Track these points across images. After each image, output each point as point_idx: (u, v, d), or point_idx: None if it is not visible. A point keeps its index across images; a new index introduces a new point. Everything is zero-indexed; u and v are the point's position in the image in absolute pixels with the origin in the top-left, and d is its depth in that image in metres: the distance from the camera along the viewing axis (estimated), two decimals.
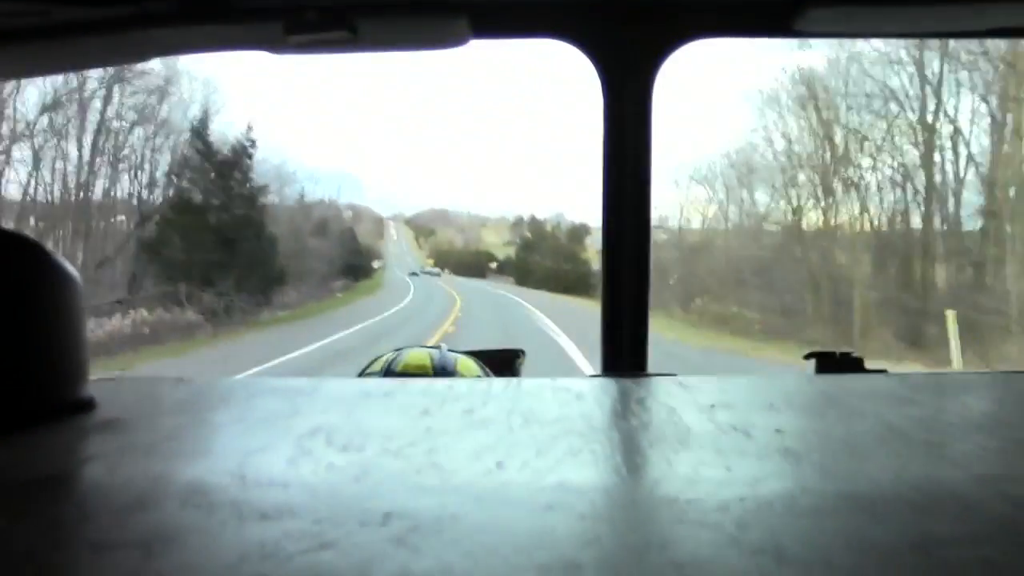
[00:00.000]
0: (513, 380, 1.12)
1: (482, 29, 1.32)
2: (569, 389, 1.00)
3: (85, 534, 0.55)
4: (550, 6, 1.36)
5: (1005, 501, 0.59)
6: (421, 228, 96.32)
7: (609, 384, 1.08)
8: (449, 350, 1.44)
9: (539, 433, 0.78)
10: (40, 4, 1.20)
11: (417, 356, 1.40)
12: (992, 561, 0.49)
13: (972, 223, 21.66)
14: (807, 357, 1.42)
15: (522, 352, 1.62)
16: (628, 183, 1.34)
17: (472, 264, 71.30)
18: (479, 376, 1.41)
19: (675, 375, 1.12)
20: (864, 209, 23.37)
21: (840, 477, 0.65)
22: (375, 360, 1.44)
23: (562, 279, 45.61)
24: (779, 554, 0.49)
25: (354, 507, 0.58)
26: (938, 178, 22.28)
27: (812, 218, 25.07)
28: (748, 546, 0.50)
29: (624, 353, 1.35)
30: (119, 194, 27.10)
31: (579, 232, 49.95)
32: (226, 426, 0.84)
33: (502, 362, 1.55)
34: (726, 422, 0.82)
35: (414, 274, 55.95)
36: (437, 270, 77.16)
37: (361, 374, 1.40)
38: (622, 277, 1.35)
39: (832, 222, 24.31)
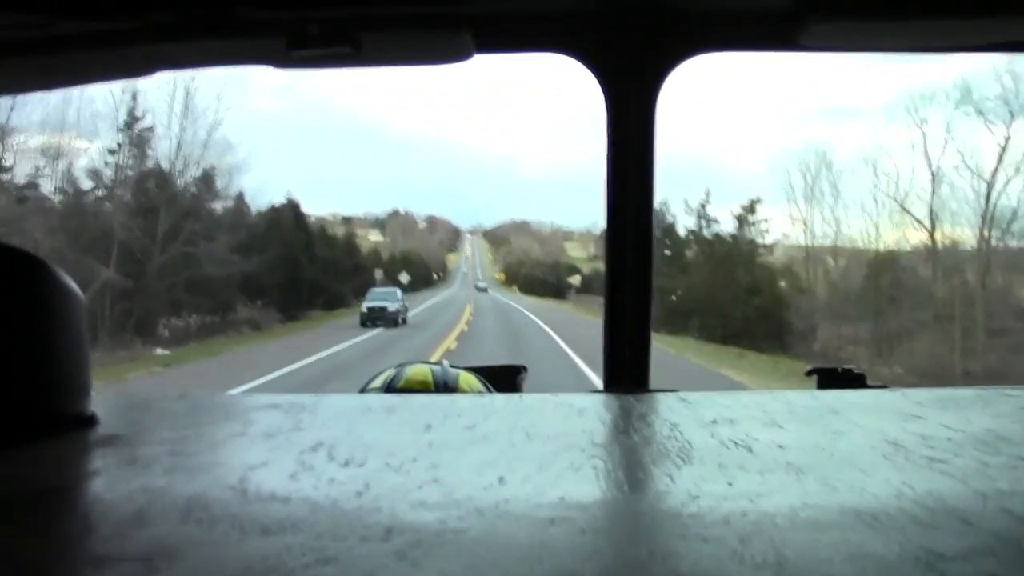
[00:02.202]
0: (515, 396, 1.12)
1: (485, 44, 1.32)
2: (571, 405, 1.00)
3: (87, 548, 0.55)
4: (553, 20, 1.36)
5: (1007, 516, 0.59)
6: (498, 239, 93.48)
7: (611, 400, 1.08)
8: (451, 366, 1.44)
9: (541, 448, 0.78)
10: (44, 17, 1.21)
11: (419, 372, 1.39)
12: None
13: None
14: (809, 373, 1.41)
15: (524, 368, 1.62)
16: (631, 200, 1.34)
17: (549, 278, 54.47)
18: (481, 392, 1.41)
19: (677, 391, 1.12)
20: None
21: (842, 492, 0.65)
22: (377, 376, 1.43)
23: (732, 320, 26.50)
24: (781, 568, 0.49)
25: (356, 522, 0.58)
26: None
27: None
28: (750, 560, 0.50)
29: (626, 369, 1.35)
30: None
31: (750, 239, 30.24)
32: (227, 441, 0.84)
33: (504, 378, 1.54)
34: (728, 437, 0.82)
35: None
36: (484, 284, 66.92)
37: (363, 390, 1.40)
38: (625, 293, 1.35)
39: None
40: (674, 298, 29.68)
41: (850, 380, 1.36)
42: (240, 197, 30.37)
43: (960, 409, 0.98)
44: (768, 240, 30.96)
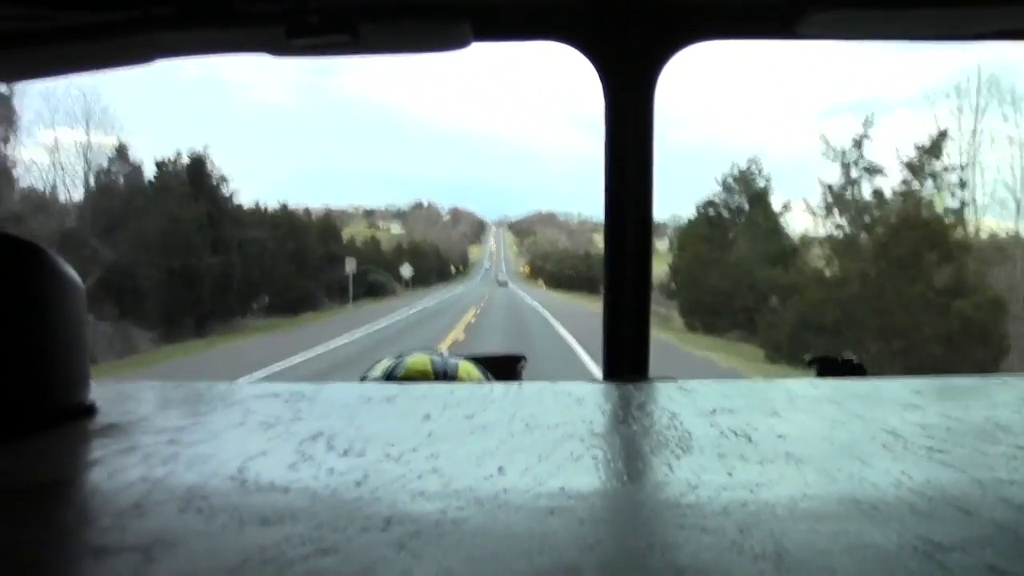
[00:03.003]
0: (514, 385, 1.12)
1: (483, 32, 1.32)
2: (570, 394, 1.00)
3: (86, 538, 0.55)
4: (551, 9, 1.36)
5: (1006, 506, 0.59)
6: (523, 231, 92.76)
7: (610, 389, 1.08)
8: (451, 355, 1.44)
9: (540, 438, 0.78)
10: (44, 8, 1.20)
11: (419, 361, 1.39)
12: (993, 565, 0.49)
13: None
14: (810, 363, 1.41)
15: (523, 357, 1.62)
16: (630, 188, 1.34)
17: (579, 270, 46.92)
18: (480, 380, 1.41)
19: (676, 380, 1.12)
20: None
21: (841, 482, 0.65)
22: (376, 365, 1.43)
23: (921, 341, 15.54)
24: (780, 559, 0.49)
25: (355, 512, 0.58)
26: None
27: None
28: (750, 551, 0.50)
29: (626, 358, 1.35)
30: None
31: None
32: (227, 430, 0.84)
33: (504, 367, 1.54)
34: (728, 427, 0.82)
35: None
36: (505, 278, 63.49)
37: (363, 379, 1.40)
38: (624, 282, 1.35)
39: None
40: (674, 286, 22.64)
41: (850, 369, 1.36)
42: (122, 153, 20.94)
43: (959, 398, 0.98)
44: (956, 199, 17.82)
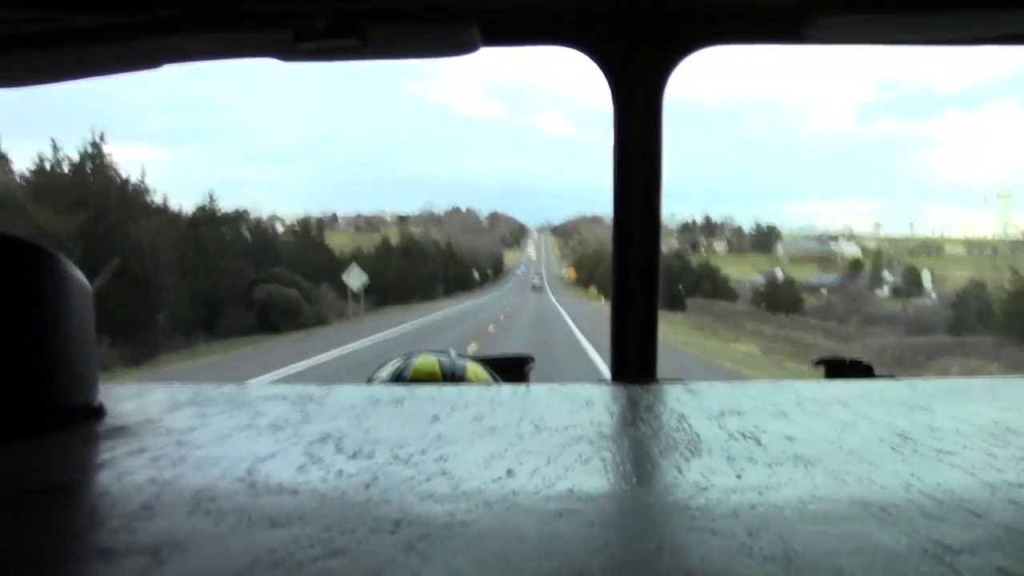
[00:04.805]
0: (522, 386, 1.12)
1: (492, 36, 1.32)
2: (578, 396, 1.00)
3: (95, 540, 0.55)
4: (560, 14, 1.36)
5: (1015, 508, 0.59)
6: (567, 233, 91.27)
7: (618, 391, 1.08)
8: (459, 356, 1.44)
9: (549, 440, 0.78)
10: (50, 11, 1.21)
11: (426, 362, 1.40)
12: (1002, 568, 0.48)
13: None
14: (817, 364, 1.41)
15: (531, 358, 1.62)
16: (638, 191, 1.34)
17: None
18: (488, 382, 1.41)
19: (684, 381, 1.12)
20: None
21: (851, 484, 0.65)
22: (384, 366, 1.44)
23: None
24: (790, 561, 0.49)
25: (364, 514, 0.58)
26: None
27: None
28: (759, 553, 0.50)
29: (633, 360, 1.35)
30: None
31: None
32: (235, 432, 0.84)
33: (511, 368, 1.54)
34: (736, 429, 0.82)
35: None
36: (539, 282, 60.24)
37: (370, 380, 1.40)
38: (632, 284, 1.35)
39: None
40: None
41: (858, 371, 1.36)
42: None
43: (968, 400, 0.98)
44: None
